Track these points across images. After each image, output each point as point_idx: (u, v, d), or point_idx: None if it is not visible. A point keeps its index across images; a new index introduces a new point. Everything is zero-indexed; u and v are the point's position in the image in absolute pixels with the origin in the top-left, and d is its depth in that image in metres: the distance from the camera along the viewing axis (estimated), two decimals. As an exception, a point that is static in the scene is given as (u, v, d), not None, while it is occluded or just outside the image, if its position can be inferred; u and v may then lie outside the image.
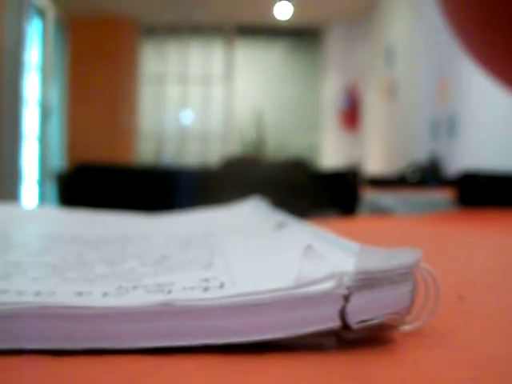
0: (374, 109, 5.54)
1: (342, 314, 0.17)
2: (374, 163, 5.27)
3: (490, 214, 0.81)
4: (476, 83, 2.97)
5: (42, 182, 5.14)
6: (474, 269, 0.34)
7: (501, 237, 0.54)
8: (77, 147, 5.48)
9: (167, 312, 0.17)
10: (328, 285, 0.17)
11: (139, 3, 5.58)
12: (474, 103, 3.16)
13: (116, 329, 0.17)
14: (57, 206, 1.13)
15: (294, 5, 5.48)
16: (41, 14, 5.12)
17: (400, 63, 4.68)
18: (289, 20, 5.92)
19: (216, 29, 6.34)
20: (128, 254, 0.28)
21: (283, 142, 6.29)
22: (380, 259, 0.19)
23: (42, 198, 5.13)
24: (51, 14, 5.36)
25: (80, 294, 0.19)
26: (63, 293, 0.19)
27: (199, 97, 6.44)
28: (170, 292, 0.18)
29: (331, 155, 6.21)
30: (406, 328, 0.19)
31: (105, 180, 1.16)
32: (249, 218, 0.41)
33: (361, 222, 0.78)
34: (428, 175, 3.09)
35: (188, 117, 6.54)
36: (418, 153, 4.07)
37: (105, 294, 0.18)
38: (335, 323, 0.17)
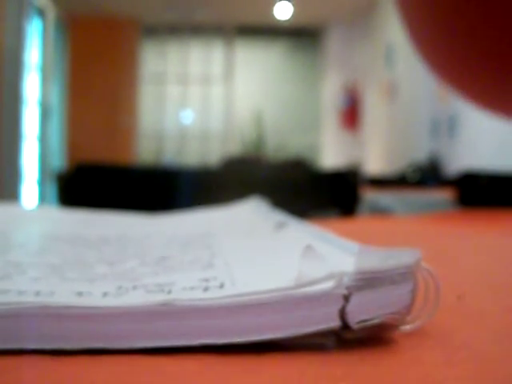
0: (374, 109, 5.54)
1: (342, 314, 0.17)
2: (374, 163, 5.27)
3: (490, 214, 0.81)
4: (476, 83, 2.97)
5: (41, 182, 5.14)
6: (473, 269, 0.34)
7: (501, 237, 0.54)
8: (77, 147, 5.49)
9: (167, 312, 0.17)
10: (328, 285, 0.17)
11: (139, 3, 5.58)
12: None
13: (116, 329, 0.17)
14: (57, 206, 1.13)
15: (293, 5, 5.48)
16: (41, 13, 5.12)
17: (400, 63, 4.68)
18: (289, 20, 5.92)
19: (216, 29, 6.34)
20: (128, 254, 0.28)
21: (283, 142, 6.29)
22: (380, 259, 0.19)
23: (42, 198, 5.13)
24: (51, 13, 5.36)
25: (80, 294, 0.19)
26: (63, 293, 0.19)
27: (199, 97, 6.44)
28: (170, 292, 0.18)
29: (331, 155, 6.21)
30: (406, 328, 0.19)
31: (105, 180, 1.16)
32: (249, 218, 0.41)
33: (361, 222, 0.78)
34: (428, 175, 3.09)
35: (188, 117, 6.54)
36: (418, 153, 4.07)
37: (105, 294, 0.18)
38: (335, 323, 0.17)
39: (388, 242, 0.44)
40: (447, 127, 3.64)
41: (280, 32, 6.42)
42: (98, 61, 5.71)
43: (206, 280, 0.20)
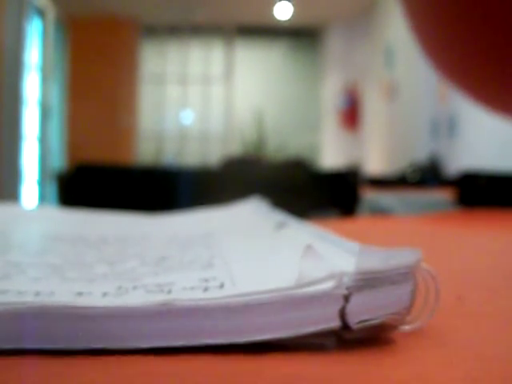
0: (374, 109, 5.54)
1: (342, 314, 0.17)
2: (374, 163, 5.27)
3: (489, 214, 0.81)
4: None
5: (42, 182, 5.14)
6: (473, 269, 0.34)
7: (501, 237, 0.54)
8: (77, 147, 5.49)
9: (167, 312, 0.17)
10: (328, 285, 0.17)
11: (139, 3, 5.58)
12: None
13: (116, 329, 0.17)
14: (57, 206, 1.13)
15: (293, 5, 5.48)
16: (41, 13, 5.12)
17: (400, 63, 4.68)
18: (289, 20, 5.92)
19: (216, 29, 6.34)
20: (128, 254, 0.28)
21: (283, 142, 6.29)
22: (380, 259, 0.19)
23: (42, 198, 5.13)
24: (51, 13, 5.36)
25: (80, 294, 0.19)
26: (63, 293, 0.19)
27: (199, 97, 6.44)
28: (170, 292, 0.18)
29: (331, 155, 6.21)
30: (406, 328, 0.19)
31: (105, 180, 1.16)
32: (249, 218, 0.41)
33: (361, 222, 0.78)
34: (428, 175, 3.09)
35: (188, 117, 6.54)
36: (418, 153, 4.07)
37: (105, 294, 0.18)
38: (335, 323, 0.17)
39: (388, 242, 0.44)
40: (447, 127, 3.64)
41: (280, 32, 6.42)
42: (98, 61, 5.71)
43: (206, 280, 0.20)
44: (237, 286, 0.18)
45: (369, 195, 1.53)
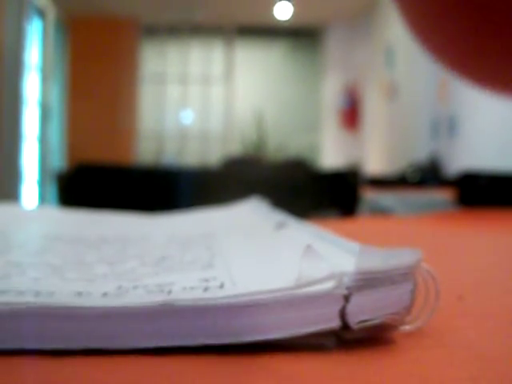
0: (374, 109, 5.54)
1: (342, 314, 0.17)
2: (374, 163, 5.27)
3: (490, 214, 0.81)
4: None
5: (42, 182, 5.14)
6: (473, 269, 0.34)
7: (501, 237, 0.54)
8: (77, 147, 5.49)
9: (167, 312, 0.17)
10: (328, 285, 0.17)
11: (139, 3, 5.58)
12: (474, 103, 3.16)
13: (116, 329, 0.17)
14: (57, 206, 1.13)
15: (293, 5, 5.48)
16: (41, 13, 5.12)
17: (400, 63, 4.68)
18: (289, 20, 5.92)
19: (216, 29, 6.34)
20: (128, 254, 0.28)
21: (283, 142, 6.29)
22: (380, 259, 0.19)
23: (42, 198, 5.13)
24: (51, 13, 5.36)
25: (80, 294, 0.19)
26: (63, 293, 0.19)
27: (199, 97, 6.44)
28: (170, 292, 0.18)
29: (331, 155, 6.21)
30: (406, 328, 0.19)
31: (105, 180, 1.16)
32: (249, 218, 0.41)
33: (361, 223, 0.78)
34: (428, 175, 3.09)
35: (188, 117, 6.54)
36: (418, 153, 4.07)
37: (105, 294, 0.18)
38: (335, 323, 0.17)
39: (388, 242, 0.44)
40: (447, 127, 3.64)
41: (280, 32, 6.42)
42: (98, 61, 5.71)
43: (206, 280, 0.20)
44: (237, 286, 0.18)
45: (369, 195, 1.53)
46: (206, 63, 6.41)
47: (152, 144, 6.32)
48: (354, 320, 0.17)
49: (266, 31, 6.44)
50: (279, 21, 5.98)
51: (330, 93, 6.34)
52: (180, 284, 0.19)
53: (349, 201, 1.24)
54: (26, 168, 4.71)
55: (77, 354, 0.17)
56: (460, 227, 0.67)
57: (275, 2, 5.48)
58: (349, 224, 0.70)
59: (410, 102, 4.50)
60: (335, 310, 0.17)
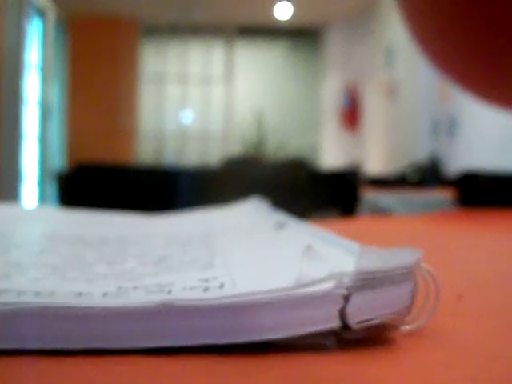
0: (374, 109, 5.54)
1: (342, 314, 0.17)
2: (374, 163, 5.27)
3: (490, 214, 0.81)
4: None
5: (41, 182, 5.14)
6: (473, 269, 0.34)
7: (501, 237, 0.54)
8: (77, 147, 5.49)
9: (167, 312, 0.17)
10: (328, 285, 0.17)
11: (139, 3, 5.58)
12: (474, 103, 3.16)
13: (116, 329, 0.17)
14: (57, 206, 1.13)
15: (294, 5, 5.48)
16: (41, 13, 5.12)
17: (400, 63, 4.68)
18: (289, 20, 5.92)
19: (216, 29, 6.34)
20: (128, 254, 0.28)
21: (283, 142, 6.29)
22: (380, 259, 0.19)
23: (42, 198, 5.13)
24: (51, 13, 5.36)
25: (80, 294, 0.19)
26: (63, 293, 0.19)
27: (199, 97, 6.44)
28: (170, 292, 0.18)
29: (331, 155, 6.21)
30: (406, 328, 0.19)
31: (105, 180, 1.16)
32: (249, 218, 0.41)
33: (361, 222, 0.78)
34: (428, 175, 3.09)
35: (188, 117, 6.54)
36: (418, 153, 4.07)
37: (105, 294, 0.18)
38: (335, 323, 0.17)
39: (388, 242, 0.44)
40: (447, 127, 3.64)
41: (280, 32, 6.42)
42: (98, 61, 5.71)
43: (206, 280, 0.20)
44: (237, 286, 0.18)
45: (369, 195, 1.53)
46: (206, 63, 6.41)
47: (152, 144, 6.32)
48: (353, 320, 0.17)
49: (266, 31, 6.44)
50: (279, 21, 5.98)
51: (330, 93, 6.34)
52: (180, 284, 0.19)
53: (349, 201, 1.24)
54: (26, 168, 4.71)
55: (77, 354, 0.17)
56: (460, 227, 0.67)
57: (275, 2, 5.48)
58: (349, 224, 0.70)
59: (410, 101, 4.50)
60: (335, 310, 0.17)
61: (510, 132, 2.74)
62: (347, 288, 0.17)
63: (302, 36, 6.53)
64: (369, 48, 5.71)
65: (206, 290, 0.18)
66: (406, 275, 0.18)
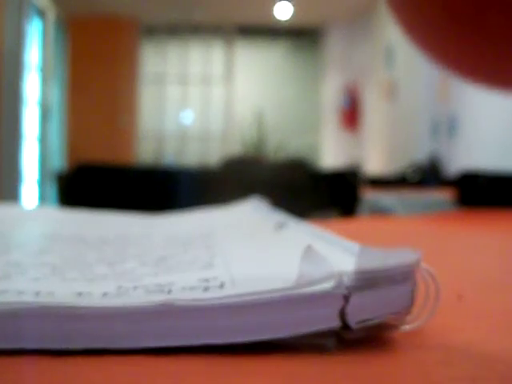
0: (374, 109, 5.54)
1: (342, 314, 0.17)
2: (374, 163, 5.27)
3: (490, 214, 0.81)
4: (476, 83, 2.97)
5: (42, 182, 5.14)
6: (473, 269, 0.34)
7: (501, 237, 0.54)
8: (77, 147, 5.49)
9: (167, 312, 0.17)
10: (328, 285, 0.17)
11: (139, 3, 5.58)
12: (474, 103, 3.16)
13: (116, 329, 0.17)
14: (57, 206, 1.13)
15: (293, 5, 5.48)
16: (41, 13, 5.12)
17: (400, 63, 4.68)
18: (289, 20, 5.92)
19: (216, 29, 6.34)
20: (128, 254, 0.28)
21: (283, 142, 6.29)
22: (380, 259, 0.19)
23: (42, 198, 5.13)
24: (51, 13, 5.37)
25: (80, 294, 0.19)
26: (63, 293, 0.19)
27: (199, 97, 6.44)
28: (170, 292, 0.18)
29: (331, 155, 6.21)
30: (406, 328, 0.19)
31: (105, 180, 1.16)
32: (249, 218, 0.41)
33: (361, 223, 0.78)
34: (428, 175, 3.09)
35: (188, 117, 6.54)
36: (418, 153, 4.07)
37: (105, 294, 0.18)
38: (335, 323, 0.17)
39: (388, 242, 0.44)
40: (447, 127, 3.64)
41: (280, 32, 6.42)
42: (98, 61, 5.71)
43: (206, 280, 0.20)
44: (237, 286, 0.18)
45: (369, 195, 1.53)
46: (206, 63, 6.41)
47: (152, 144, 6.32)
48: (353, 320, 0.17)
49: (266, 31, 6.44)
50: (279, 21, 5.98)
51: (330, 93, 6.34)
52: (180, 284, 0.19)
53: (349, 201, 1.24)
54: (26, 168, 4.71)
55: (77, 353, 0.17)
56: (460, 227, 0.67)
57: (275, 2, 5.48)
58: (349, 224, 0.70)
59: (409, 101, 4.50)
60: (335, 309, 0.17)
61: (510, 132, 2.74)
62: (347, 288, 0.17)
63: (302, 36, 6.53)
64: (369, 48, 5.71)
65: (206, 289, 0.18)
66: (405, 275, 0.18)
